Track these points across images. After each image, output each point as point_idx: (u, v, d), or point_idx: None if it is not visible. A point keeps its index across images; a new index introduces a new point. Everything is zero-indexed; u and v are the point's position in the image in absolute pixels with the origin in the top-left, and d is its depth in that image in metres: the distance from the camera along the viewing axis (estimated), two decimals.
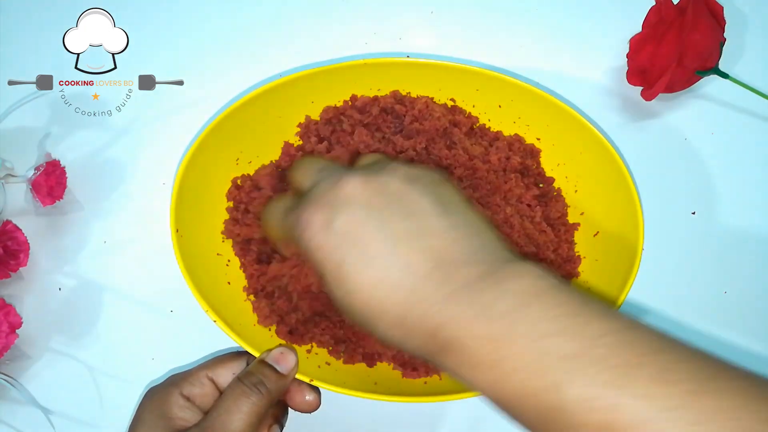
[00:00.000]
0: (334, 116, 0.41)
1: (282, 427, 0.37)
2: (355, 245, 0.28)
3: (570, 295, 0.25)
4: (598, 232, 0.40)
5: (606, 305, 0.25)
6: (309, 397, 0.36)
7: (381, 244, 0.27)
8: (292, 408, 0.37)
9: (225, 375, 0.36)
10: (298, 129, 0.42)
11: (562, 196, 0.42)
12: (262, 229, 0.38)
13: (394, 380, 0.38)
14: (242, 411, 0.32)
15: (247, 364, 0.36)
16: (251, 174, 0.41)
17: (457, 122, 0.41)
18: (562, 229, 0.41)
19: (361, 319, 0.28)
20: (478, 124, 0.42)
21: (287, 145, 0.42)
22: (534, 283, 0.25)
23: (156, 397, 0.34)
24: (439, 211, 0.29)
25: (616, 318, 0.24)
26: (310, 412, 0.36)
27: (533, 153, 0.42)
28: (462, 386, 0.37)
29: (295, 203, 0.31)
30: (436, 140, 0.40)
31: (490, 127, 0.42)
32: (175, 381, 0.35)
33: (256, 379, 0.34)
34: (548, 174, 0.42)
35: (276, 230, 0.34)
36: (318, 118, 0.42)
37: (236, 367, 0.36)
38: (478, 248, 0.28)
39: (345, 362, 0.39)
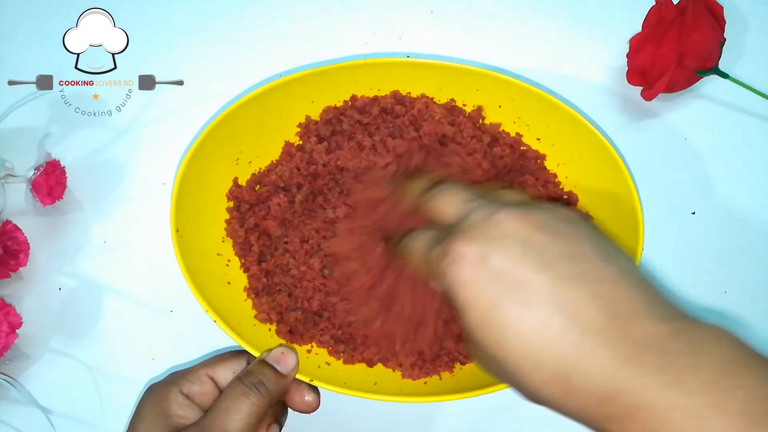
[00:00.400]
0: (334, 116, 0.41)
1: (281, 426, 0.37)
2: (513, 286, 0.25)
3: None
4: None
5: None
6: (308, 397, 0.36)
7: (543, 286, 0.24)
8: (291, 408, 0.37)
9: (225, 373, 0.36)
10: (298, 129, 0.42)
11: None
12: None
13: (394, 380, 0.38)
14: (241, 411, 0.32)
15: (248, 363, 0.36)
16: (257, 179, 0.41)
17: (456, 123, 0.41)
18: None
19: (509, 370, 0.25)
20: (478, 124, 0.42)
21: (287, 145, 0.42)
22: (735, 352, 0.23)
23: (156, 394, 0.34)
24: (603, 255, 0.26)
25: None
26: (309, 413, 0.36)
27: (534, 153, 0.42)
28: (461, 387, 0.37)
29: (440, 235, 0.29)
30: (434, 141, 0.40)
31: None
32: (175, 379, 0.35)
33: (255, 379, 0.34)
34: None
35: (417, 263, 0.31)
36: (318, 118, 0.42)
37: (236, 366, 0.36)
38: (653, 300, 0.25)
39: (345, 362, 0.39)
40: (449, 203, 0.30)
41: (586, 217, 0.28)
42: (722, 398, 0.21)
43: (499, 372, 0.26)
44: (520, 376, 0.25)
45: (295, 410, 0.37)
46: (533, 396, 0.25)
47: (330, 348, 0.39)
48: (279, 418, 0.37)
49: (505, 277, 0.25)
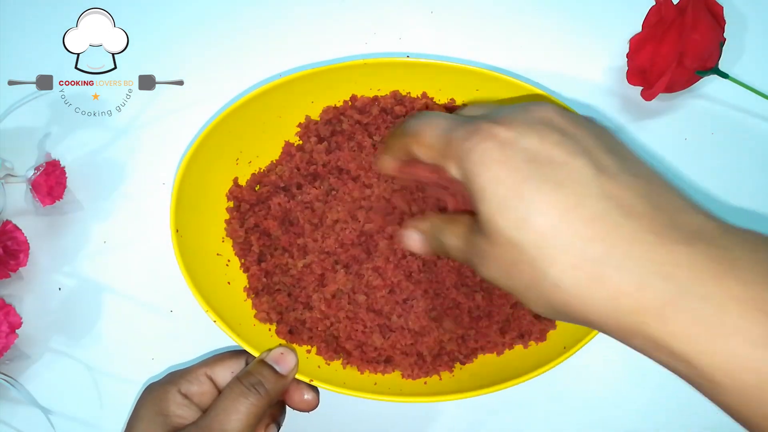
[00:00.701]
0: (334, 116, 0.41)
1: (279, 426, 0.37)
2: (547, 165, 0.23)
3: None
4: None
5: None
6: (308, 396, 0.36)
7: (581, 168, 0.23)
8: (290, 407, 0.37)
9: (224, 373, 0.36)
10: (298, 129, 0.42)
11: None
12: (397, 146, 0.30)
13: (394, 380, 0.38)
14: (240, 411, 0.32)
15: (247, 363, 0.36)
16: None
17: None
18: None
19: (527, 257, 0.23)
20: None
21: (287, 145, 0.42)
22: None
23: (154, 394, 0.34)
24: (636, 158, 0.25)
25: None
26: (308, 411, 0.36)
27: None
28: (460, 387, 0.37)
29: (464, 120, 0.26)
30: None
31: None
32: (174, 378, 0.35)
33: (255, 380, 0.34)
34: None
35: (430, 145, 0.27)
36: (318, 118, 0.42)
37: (235, 366, 0.36)
38: (692, 202, 0.23)
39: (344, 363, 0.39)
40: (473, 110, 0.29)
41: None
42: None
43: (510, 266, 0.24)
44: (541, 262, 0.22)
45: (294, 409, 0.37)
46: (547, 293, 0.23)
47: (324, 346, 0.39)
48: (277, 418, 0.37)
49: (539, 157, 0.23)
